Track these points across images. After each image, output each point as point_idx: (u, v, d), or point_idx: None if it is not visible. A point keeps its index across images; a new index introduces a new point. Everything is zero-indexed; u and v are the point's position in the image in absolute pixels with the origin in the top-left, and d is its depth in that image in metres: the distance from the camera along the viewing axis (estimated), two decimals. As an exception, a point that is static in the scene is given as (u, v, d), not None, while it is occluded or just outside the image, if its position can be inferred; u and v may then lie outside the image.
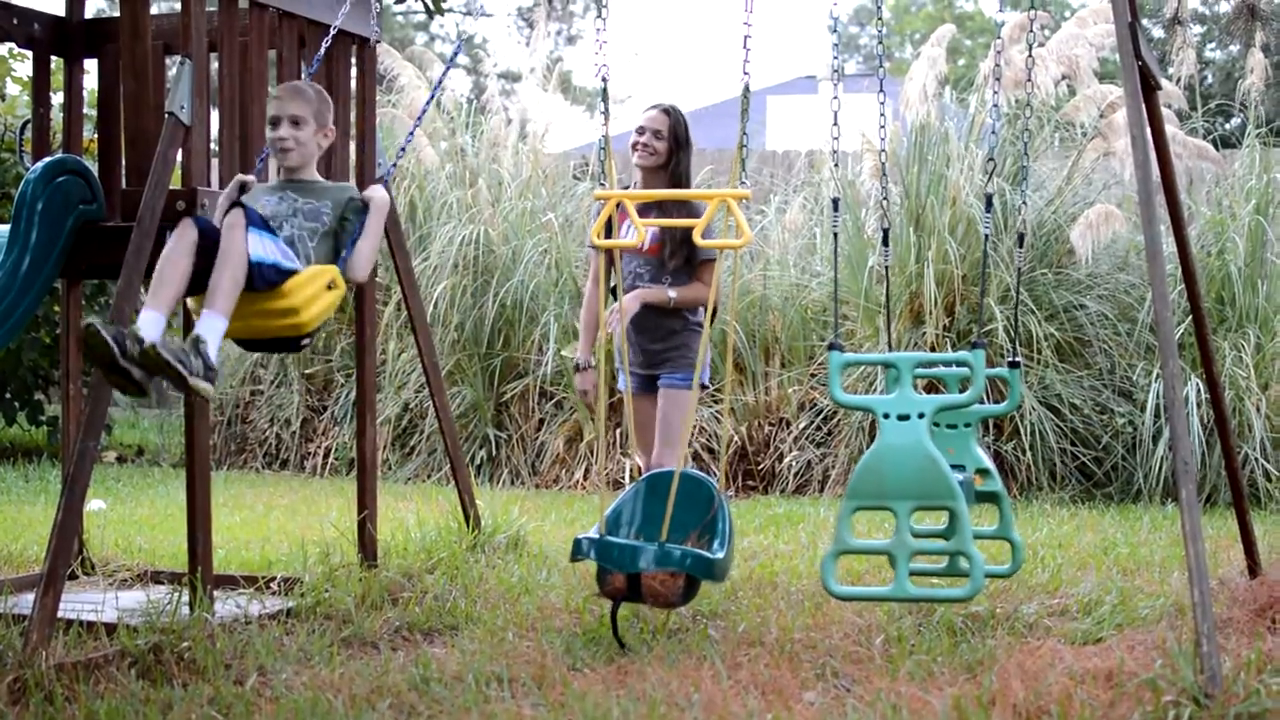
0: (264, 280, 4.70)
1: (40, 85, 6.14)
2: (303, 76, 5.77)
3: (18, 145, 6.27)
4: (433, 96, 5.78)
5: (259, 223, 4.75)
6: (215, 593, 5.34)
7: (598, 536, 4.97)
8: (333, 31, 5.72)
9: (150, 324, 4.51)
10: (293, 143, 5.09)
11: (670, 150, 6.32)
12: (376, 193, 5.13)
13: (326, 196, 5.08)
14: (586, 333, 6.48)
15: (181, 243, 4.67)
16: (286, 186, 5.11)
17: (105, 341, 4.36)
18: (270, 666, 4.58)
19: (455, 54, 6.35)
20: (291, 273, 4.80)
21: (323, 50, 5.55)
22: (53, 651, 4.52)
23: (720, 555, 5.01)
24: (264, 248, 4.71)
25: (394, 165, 5.48)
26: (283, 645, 4.87)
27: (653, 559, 4.84)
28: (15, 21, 5.94)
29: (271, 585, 5.85)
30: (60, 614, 4.69)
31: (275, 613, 5.34)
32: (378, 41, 6.27)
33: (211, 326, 4.59)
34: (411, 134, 5.66)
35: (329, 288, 4.88)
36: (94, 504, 8.65)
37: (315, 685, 4.36)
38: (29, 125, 6.15)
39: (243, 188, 5.16)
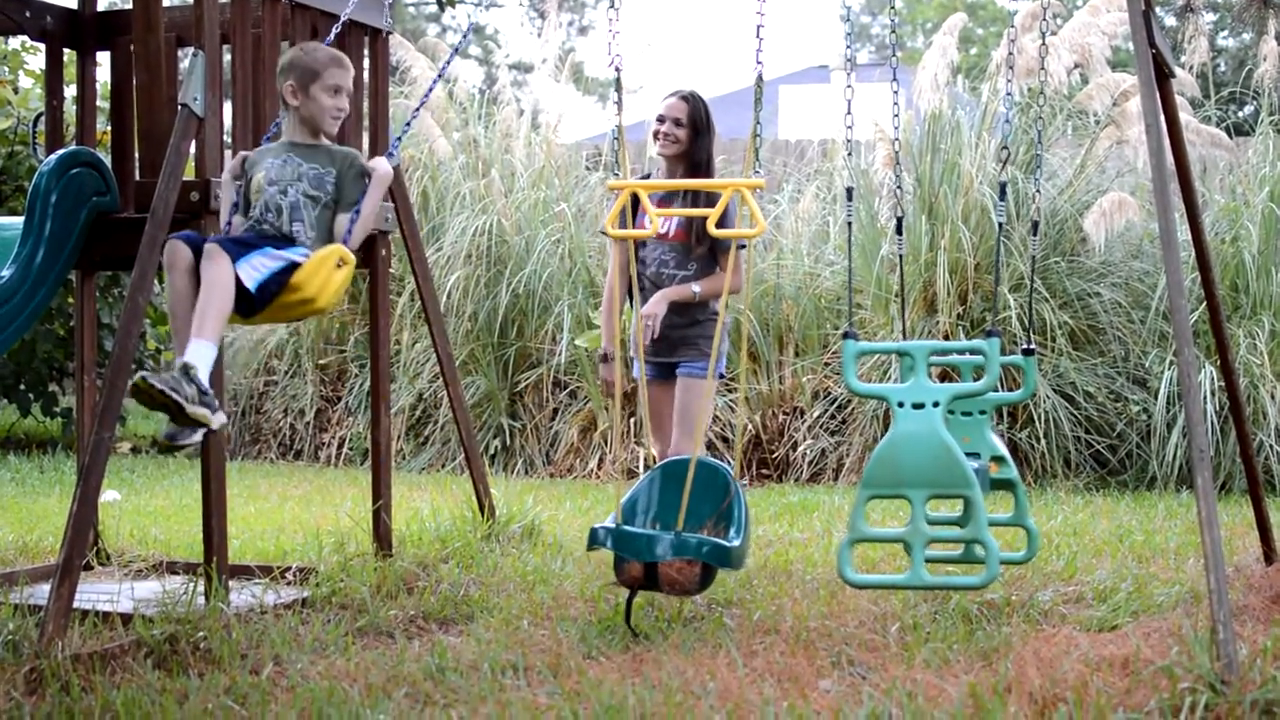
0: (271, 292, 4.72)
1: (53, 78, 6.16)
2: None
3: (31, 138, 6.29)
4: (435, 83, 5.76)
5: (236, 251, 4.70)
6: (230, 583, 5.36)
7: (614, 525, 4.98)
8: (342, 18, 5.72)
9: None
10: (342, 114, 5.17)
11: (691, 137, 6.32)
12: (380, 165, 5.14)
13: (331, 162, 5.09)
14: (608, 322, 6.47)
15: (178, 275, 4.68)
16: (291, 149, 5.11)
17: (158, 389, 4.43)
18: (286, 656, 4.59)
19: (460, 45, 6.34)
20: (295, 266, 4.81)
21: (332, 36, 5.54)
22: (69, 642, 4.53)
23: (736, 543, 5.01)
24: (255, 269, 4.71)
25: (398, 140, 5.40)
26: (298, 635, 4.87)
27: (669, 548, 4.85)
28: (28, 15, 5.95)
29: (287, 575, 5.86)
30: (76, 604, 4.70)
31: (290, 602, 5.35)
32: (390, 33, 6.27)
33: (201, 353, 4.58)
34: (410, 121, 5.65)
35: (338, 266, 4.88)
36: (109, 495, 8.67)
37: (331, 675, 4.37)
38: (42, 118, 6.17)
39: (244, 161, 5.18)
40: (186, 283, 4.67)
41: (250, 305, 4.70)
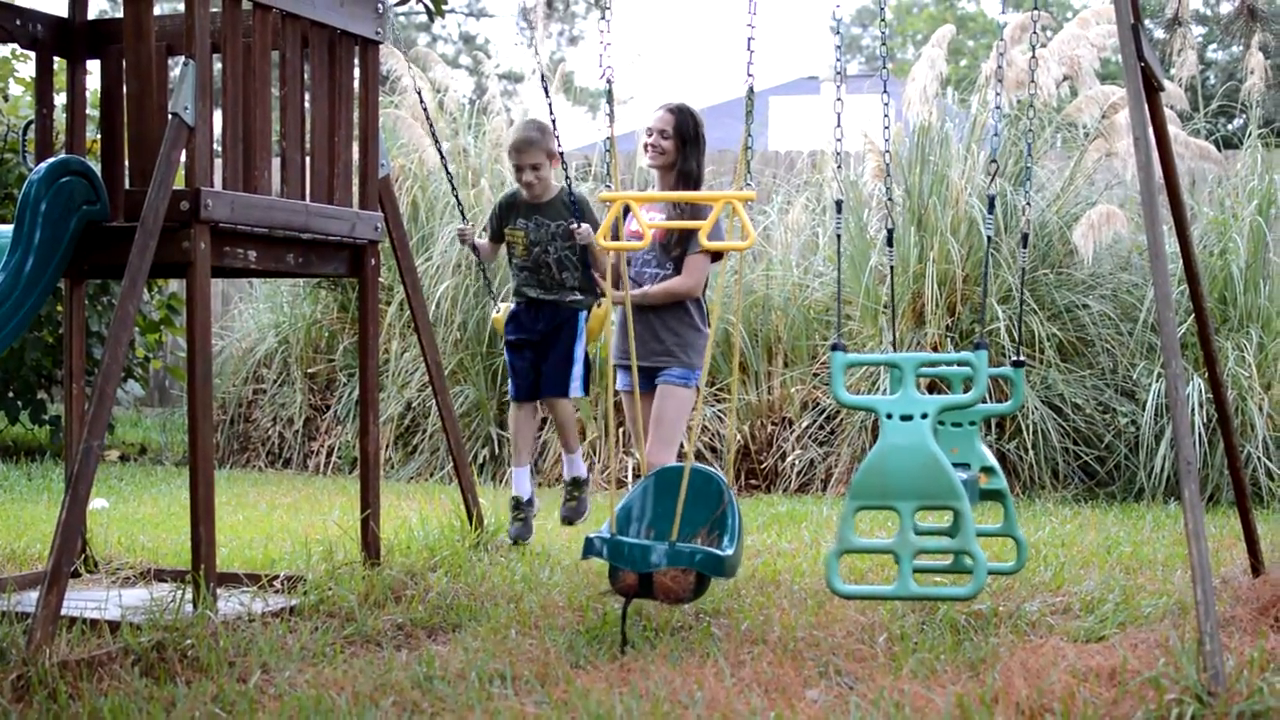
0: (588, 381, 6.69)
1: (43, 86, 6.15)
2: (305, 78, 5.82)
3: (21, 146, 6.28)
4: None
5: (559, 379, 6.61)
6: (218, 591, 5.35)
7: (609, 535, 5.01)
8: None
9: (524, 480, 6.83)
10: (536, 181, 6.57)
11: (678, 149, 6.34)
12: (585, 236, 6.46)
13: (563, 211, 6.51)
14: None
15: (522, 415, 6.84)
16: (534, 210, 6.62)
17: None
18: (273, 664, 4.59)
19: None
20: (584, 340, 6.61)
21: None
22: (56, 649, 4.52)
23: (730, 552, 5.05)
24: (577, 381, 6.59)
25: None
26: (286, 643, 4.87)
27: (664, 557, 4.88)
28: (18, 22, 5.94)
29: (275, 583, 5.85)
30: (64, 612, 4.69)
31: (278, 610, 5.34)
32: (380, 42, 6.27)
33: (578, 463, 6.84)
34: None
35: (601, 316, 6.54)
36: (97, 502, 8.66)
37: (318, 683, 4.37)
38: (32, 126, 6.16)
39: (468, 239, 6.98)
40: (530, 424, 6.86)
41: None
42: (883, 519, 7.82)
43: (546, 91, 6.65)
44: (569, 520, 6.57)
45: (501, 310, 6.72)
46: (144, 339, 12.05)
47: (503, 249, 6.89)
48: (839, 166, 5.74)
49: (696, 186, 6.46)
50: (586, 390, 6.55)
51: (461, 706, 4.14)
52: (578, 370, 6.52)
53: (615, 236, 5.33)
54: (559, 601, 5.62)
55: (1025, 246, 6.31)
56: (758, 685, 4.35)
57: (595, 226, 6.39)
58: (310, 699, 4.13)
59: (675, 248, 6.27)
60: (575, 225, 6.37)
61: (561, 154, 6.67)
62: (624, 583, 4.98)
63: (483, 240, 6.97)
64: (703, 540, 5.16)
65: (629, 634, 4.98)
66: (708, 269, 6.39)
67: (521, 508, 6.65)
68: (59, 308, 10.75)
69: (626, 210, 5.91)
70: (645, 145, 6.41)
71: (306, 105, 5.99)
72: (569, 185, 6.54)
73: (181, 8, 5.41)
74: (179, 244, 5.21)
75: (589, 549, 5.01)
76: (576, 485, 6.69)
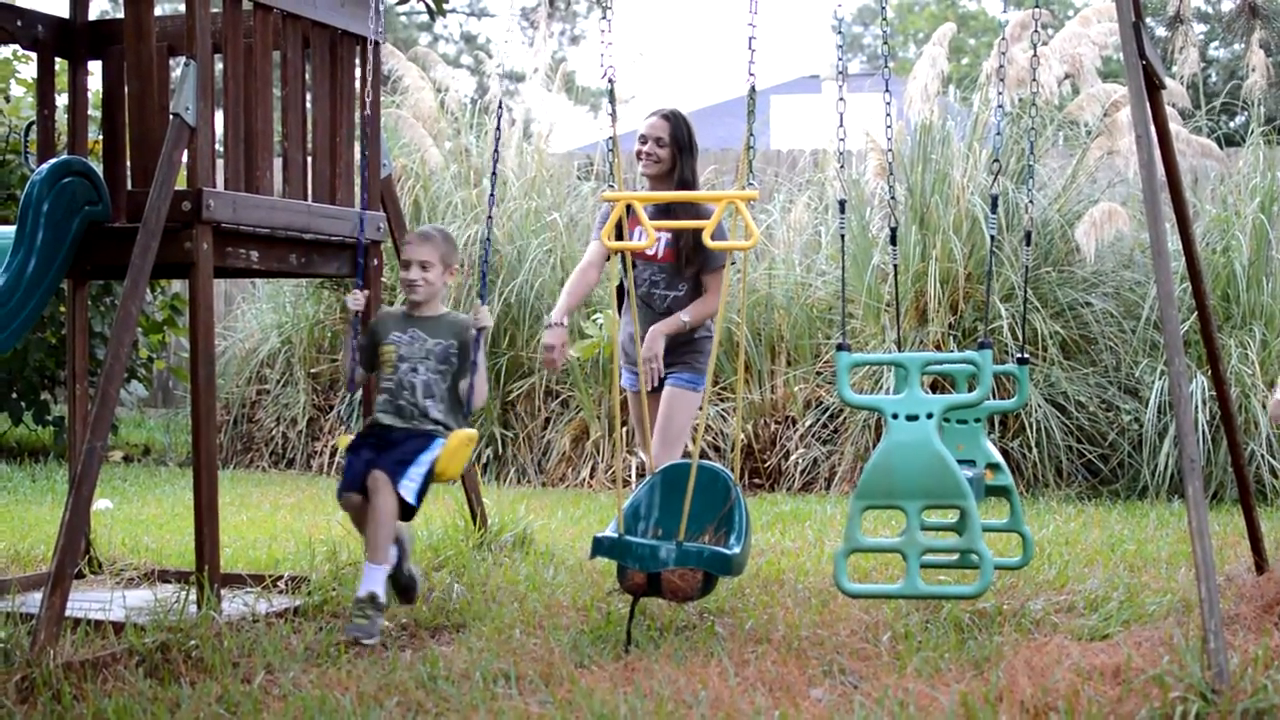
0: (422, 496, 5.25)
1: (45, 87, 6.16)
2: (306, 79, 5.82)
3: (23, 147, 6.28)
4: None
5: (394, 471, 5.21)
6: (222, 591, 5.35)
7: (617, 535, 5.02)
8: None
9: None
10: (422, 283, 5.47)
11: (674, 155, 6.27)
12: (484, 319, 5.48)
13: (450, 333, 5.47)
14: (568, 297, 6.36)
15: (356, 513, 5.32)
16: (411, 323, 5.49)
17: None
18: (278, 665, 4.59)
19: None
20: (436, 461, 5.26)
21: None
22: (60, 650, 4.53)
23: (737, 550, 5.06)
24: (412, 481, 5.21)
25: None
26: (290, 644, 4.88)
27: (672, 557, 4.89)
28: (19, 23, 5.94)
29: (278, 584, 5.86)
30: (68, 613, 4.70)
31: (282, 611, 5.35)
32: (381, 42, 6.27)
33: (379, 577, 5.08)
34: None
35: (465, 443, 5.34)
36: (101, 503, 8.66)
37: (323, 683, 4.37)
38: (34, 127, 6.16)
39: (359, 316, 5.55)
40: (361, 512, 5.28)
41: (409, 511, 5.22)
42: (888, 518, 7.81)
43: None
44: (355, 640, 4.98)
45: (345, 433, 5.78)
46: (147, 340, 12.05)
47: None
48: (841, 165, 5.73)
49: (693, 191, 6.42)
50: (417, 505, 5.22)
51: (466, 706, 4.14)
52: (416, 472, 5.25)
53: (619, 237, 5.31)
54: (563, 601, 5.63)
55: (1028, 244, 6.31)
56: (762, 684, 4.35)
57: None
58: (314, 699, 4.13)
59: (688, 268, 6.21)
60: (475, 310, 5.49)
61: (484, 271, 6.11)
62: (632, 581, 5.00)
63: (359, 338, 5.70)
64: (710, 538, 5.18)
65: (634, 633, 4.98)
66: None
67: (370, 604, 5.11)
68: (62, 309, 10.76)
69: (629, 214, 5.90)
70: (639, 153, 6.32)
71: (308, 105, 5.99)
72: (483, 278, 5.99)
73: (183, 8, 5.41)
74: (181, 244, 5.22)
75: (597, 548, 5.03)
76: (372, 603, 5.01)
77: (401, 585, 5.39)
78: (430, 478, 5.26)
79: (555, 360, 6.25)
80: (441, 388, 5.44)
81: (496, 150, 5.78)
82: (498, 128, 5.66)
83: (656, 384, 6.15)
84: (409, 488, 5.18)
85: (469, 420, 5.51)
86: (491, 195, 5.74)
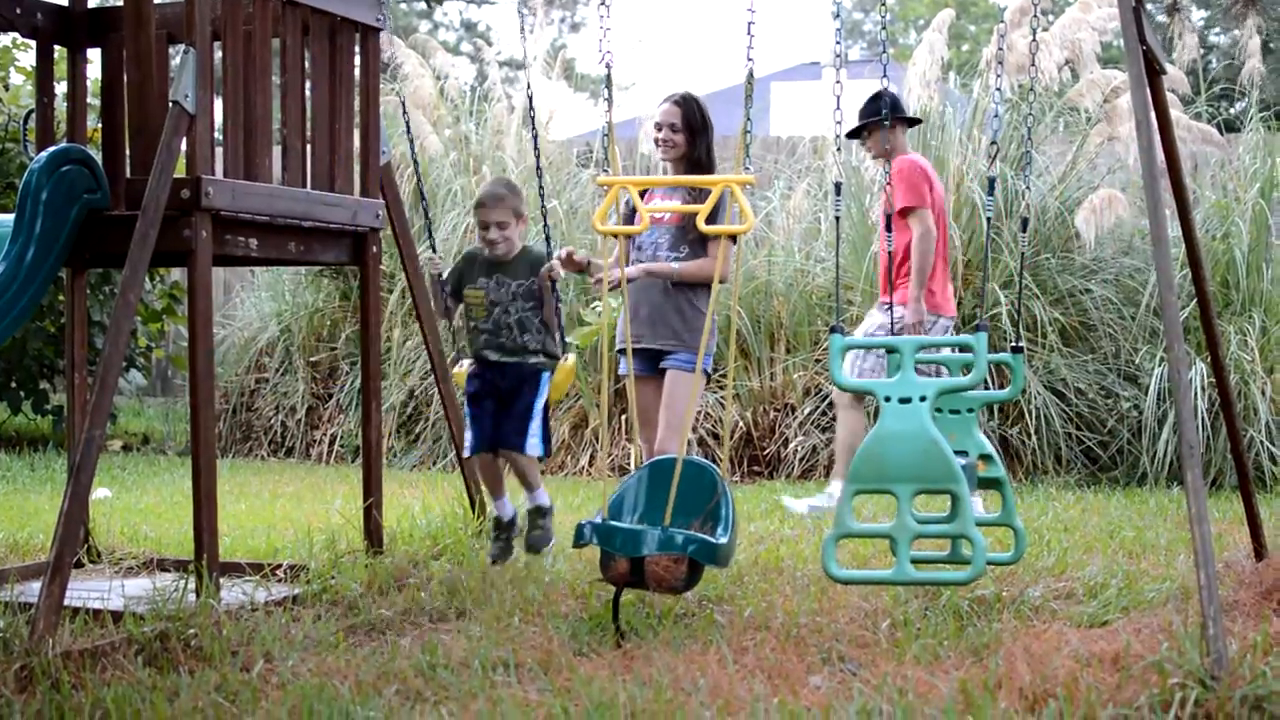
0: (548, 439, 6.15)
1: (44, 75, 6.15)
2: (305, 66, 5.81)
3: (22, 135, 6.27)
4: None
5: (519, 441, 6.06)
6: (221, 580, 5.34)
7: (600, 522, 4.98)
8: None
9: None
10: (502, 241, 6.10)
11: (689, 139, 6.48)
12: (557, 272, 6.09)
13: (529, 271, 6.10)
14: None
15: (484, 466, 6.26)
16: (495, 269, 6.14)
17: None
18: (277, 653, 4.59)
19: None
20: (546, 404, 6.11)
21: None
22: (59, 639, 4.52)
23: (723, 540, 5.00)
24: (535, 438, 6.04)
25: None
26: (289, 632, 4.87)
27: (655, 543, 4.84)
28: (19, 11, 5.93)
29: (277, 572, 5.86)
30: (66, 602, 4.69)
31: (281, 599, 5.34)
32: (381, 29, 6.26)
33: (540, 497, 6.23)
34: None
35: (568, 375, 6.21)
36: (100, 492, 8.66)
37: (322, 671, 4.37)
38: (33, 115, 6.16)
39: (440, 275, 6.31)
40: (490, 467, 6.26)
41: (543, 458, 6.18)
42: (884, 505, 7.81)
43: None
44: (534, 548, 6.16)
45: (464, 367, 6.35)
46: (146, 328, 12.05)
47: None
48: (839, 150, 5.74)
49: (709, 171, 6.54)
50: (547, 451, 6.13)
51: (465, 694, 4.14)
52: (536, 427, 6.07)
53: (630, 221, 5.33)
54: (562, 589, 5.62)
55: (1025, 230, 6.30)
56: (761, 672, 4.35)
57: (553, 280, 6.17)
58: (314, 688, 4.13)
59: (693, 230, 6.27)
60: (547, 266, 6.07)
61: (545, 210, 6.63)
62: (615, 570, 4.90)
63: (447, 269, 6.50)
64: (696, 530, 5.12)
65: (628, 622, 4.97)
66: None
67: (503, 528, 6.32)
68: (60, 297, 10.77)
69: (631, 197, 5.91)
70: (656, 140, 6.56)
71: (307, 93, 5.98)
72: (548, 240, 6.44)
73: (181, -4, 5.40)
74: (180, 232, 5.21)
75: (580, 535, 4.95)
76: (540, 513, 6.21)
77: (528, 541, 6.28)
78: (548, 416, 6.11)
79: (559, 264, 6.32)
80: (534, 321, 6.09)
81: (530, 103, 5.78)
82: (525, 50, 5.71)
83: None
84: (534, 445, 6.01)
85: (564, 340, 6.23)
86: (535, 147, 6.44)
